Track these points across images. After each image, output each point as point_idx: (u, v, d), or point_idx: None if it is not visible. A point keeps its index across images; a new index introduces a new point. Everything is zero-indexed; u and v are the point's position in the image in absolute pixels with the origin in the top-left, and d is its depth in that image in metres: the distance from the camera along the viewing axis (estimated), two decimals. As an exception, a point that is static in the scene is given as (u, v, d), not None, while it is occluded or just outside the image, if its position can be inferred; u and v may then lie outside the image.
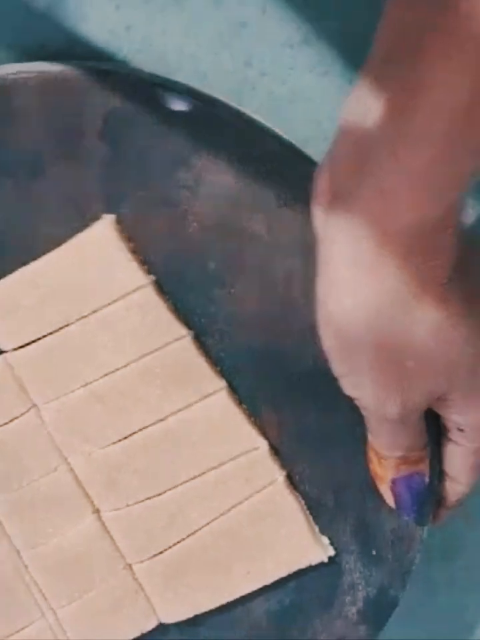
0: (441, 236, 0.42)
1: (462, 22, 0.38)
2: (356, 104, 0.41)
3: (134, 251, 0.49)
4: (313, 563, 0.51)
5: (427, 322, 0.43)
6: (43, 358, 0.49)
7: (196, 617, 0.51)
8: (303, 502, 0.51)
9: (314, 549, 0.51)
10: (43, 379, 0.49)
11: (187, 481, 0.50)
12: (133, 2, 0.50)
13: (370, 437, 0.49)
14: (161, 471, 0.50)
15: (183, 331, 0.49)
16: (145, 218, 0.49)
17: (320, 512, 0.51)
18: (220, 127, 0.48)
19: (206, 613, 0.51)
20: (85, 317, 0.48)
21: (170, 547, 0.50)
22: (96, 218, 0.48)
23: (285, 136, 0.50)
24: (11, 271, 0.48)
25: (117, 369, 0.49)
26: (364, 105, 0.41)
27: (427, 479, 0.49)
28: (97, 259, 0.48)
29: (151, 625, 0.51)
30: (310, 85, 0.51)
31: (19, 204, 0.48)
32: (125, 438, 0.50)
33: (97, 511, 0.50)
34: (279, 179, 0.48)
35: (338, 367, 0.45)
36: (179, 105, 0.48)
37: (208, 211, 0.49)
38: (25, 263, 0.48)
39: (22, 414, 0.49)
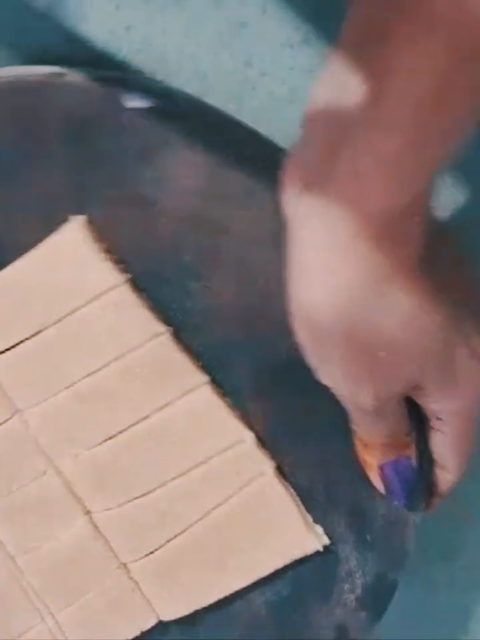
0: (410, 223, 0.41)
1: (427, 7, 0.37)
2: (325, 88, 0.41)
3: (107, 251, 0.49)
4: (308, 553, 0.50)
5: (398, 311, 0.42)
6: (23, 363, 0.49)
7: (195, 613, 0.51)
8: (294, 492, 0.50)
9: (308, 539, 0.50)
10: (25, 384, 0.49)
11: (176, 478, 0.50)
12: (133, 2, 0.50)
13: (352, 425, 0.48)
14: (148, 468, 0.50)
15: (161, 327, 0.49)
16: (116, 217, 0.49)
17: (312, 501, 0.51)
18: (183, 120, 0.48)
19: (205, 608, 0.51)
20: (62, 319, 0.48)
21: (163, 545, 0.50)
22: (66, 220, 0.48)
23: (268, 135, 0.50)
24: (-18, 277, 0.48)
25: (98, 370, 0.49)
26: (334, 89, 0.40)
27: (414, 463, 0.48)
28: (69, 261, 0.48)
29: (150, 623, 0.51)
30: (310, 85, 0.51)
31: (-12, 210, 0.48)
32: (111, 438, 0.50)
33: (88, 513, 0.50)
34: (247, 167, 0.48)
35: (311, 358, 0.45)
36: (139, 102, 0.48)
37: (178, 206, 0.48)
38: (-5, 269, 0.48)
39: (6, 420, 0.49)
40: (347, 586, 0.51)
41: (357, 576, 0.51)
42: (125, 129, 0.47)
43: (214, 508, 0.50)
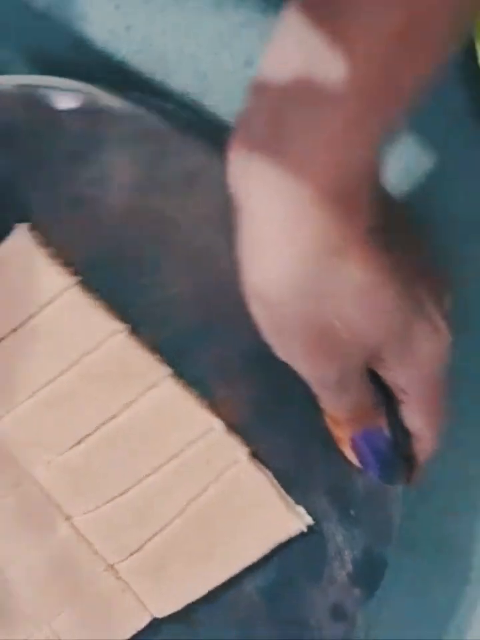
0: (361, 194, 0.41)
1: None
2: (272, 58, 0.40)
3: (53, 256, 0.48)
4: (292, 534, 0.50)
5: (351, 284, 0.42)
6: (-17, 375, 0.49)
7: (189, 607, 0.51)
8: (271, 476, 0.50)
9: (291, 520, 0.50)
10: (-12, 396, 0.49)
11: (151, 474, 0.50)
12: (133, 2, 0.50)
13: (319, 401, 0.48)
14: (122, 468, 0.50)
15: (116, 325, 0.49)
16: (58, 221, 0.48)
17: (291, 483, 0.50)
18: (113, 116, 0.47)
19: (198, 602, 0.51)
20: (17, 328, 0.48)
21: (147, 542, 0.50)
22: (9, 229, 0.48)
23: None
24: None
25: (60, 374, 0.49)
26: (281, 59, 0.40)
27: (386, 434, 0.47)
28: (17, 270, 0.48)
29: (144, 621, 0.51)
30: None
31: None
32: (81, 441, 0.49)
33: (69, 518, 0.50)
34: (183, 155, 0.48)
35: (268, 334, 0.44)
36: (67, 103, 0.47)
37: (118, 202, 0.48)
38: None
39: (-27, 434, 0.49)
40: (337, 564, 0.51)
41: (346, 553, 0.51)
42: (56, 131, 0.47)
43: (193, 499, 0.50)
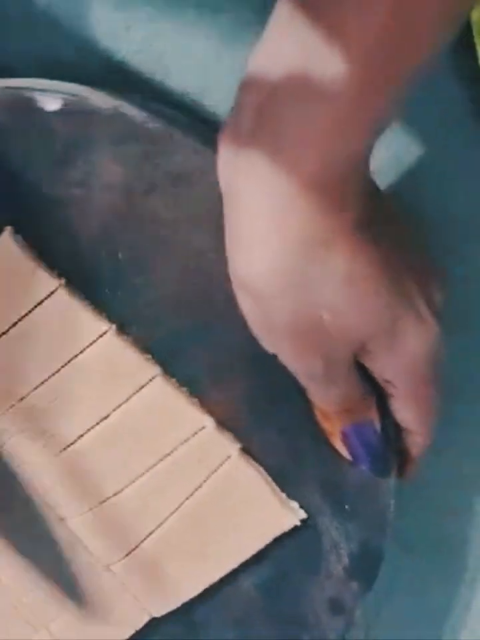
0: (348, 187, 0.41)
1: None
2: (260, 56, 0.41)
3: (39, 258, 0.48)
4: (286, 529, 0.50)
5: (339, 273, 0.42)
6: (-27, 380, 0.49)
7: (187, 605, 0.51)
8: (264, 471, 0.50)
9: (285, 515, 0.50)
10: (-21, 401, 0.49)
11: (144, 473, 0.50)
12: (133, 2, 0.50)
13: (308, 394, 0.48)
14: (115, 468, 0.50)
15: (104, 326, 0.49)
16: (44, 223, 0.48)
17: (284, 478, 0.50)
18: (101, 117, 0.47)
19: (196, 600, 0.51)
20: (5, 333, 0.48)
21: (142, 541, 0.50)
22: (-6, 233, 0.48)
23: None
24: None
25: (49, 377, 0.49)
26: (269, 56, 0.40)
27: (377, 426, 0.47)
28: (3, 273, 0.48)
29: (143, 621, 0.51)
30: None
31: None
32: (73, 443, 0.49)
33: (63, 520, 0.50)
34: (172, 155, 0.48)
35: (255, 326, 0.45)
36: (52, 105, 0.47)
37: (104, 203, 0.48)
38: None
39: (-34, 440, 0.49)
40: (333, 557, 0.51)
41: (342, 546, 0.51)
42: (44, 133, 0.47)
43: (186, 498, 0.50)
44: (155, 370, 0.49)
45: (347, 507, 0.50)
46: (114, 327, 0.49)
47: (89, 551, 0.50)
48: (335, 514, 0.50)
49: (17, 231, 0.48)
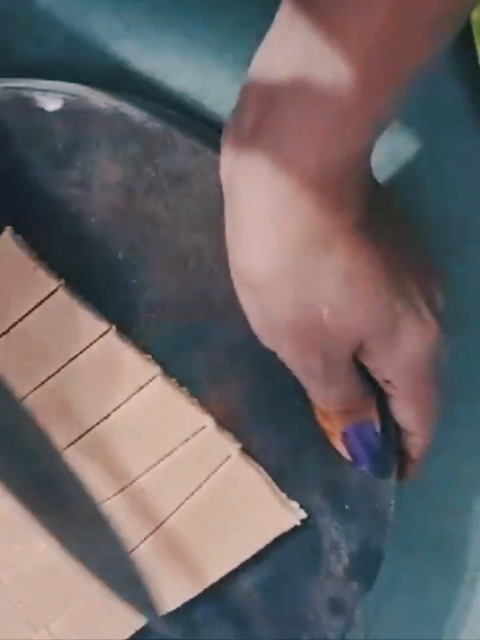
0: (349, 187, 0.42)
1: None
2: (262, 56, 0.41)
3: (38, 259, 0.48)
4: (286, 529, 0.50)
5: (339, 272, 0.43)
6: (-27, 381, 0.49)
7: (186, 605, 0.51)
8: (264, 471, 0.50)
9: (284, 515, 0.50)
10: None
11: (143, 474, 0.50)
12: (133, 2, 0.50)
13: (308, 394, 0.48)
14: (114, 468, 0.50)
15: (104, 326, 0.49)
16: (43, 223, 0.48)
17: (284, 478, 0.50)
18: (101, 117, 0.47)
19: (195, 600, 0.51)
20: (5, 333, 0.48)
21: (142, 542, 0.50)
22: (-6, 233, 0.48)
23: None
24: None
25: (48, 378, 0.49)
26: (274, 55, 0.41)
27: (377, 427, 0.48)
28: (2, 274, 0.48)
29: (142, 621, 0.51)
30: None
31: None
32: (74, 442, 0.49)
33: (63, 520, 0.50)
34: (171, 155, 0.48)
35: (255, 323, 0.45)
36: (52, 105, 0.48)
37: (103, 203, 0.48)
38: None
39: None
40: (333, 557, 0.51)
41: (342, 546, 0.51)
42: (43, 133, 0.47)
43: (186, 498, 0.50)
44: (155, 370, 0.49)
45: (347, 507, 0.50)
46: (114, 327, 0.49)
47: (89, 551, 0.50)
48: (334, 514, 0.50)
49: (17, 231, 0.48)
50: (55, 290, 0.48)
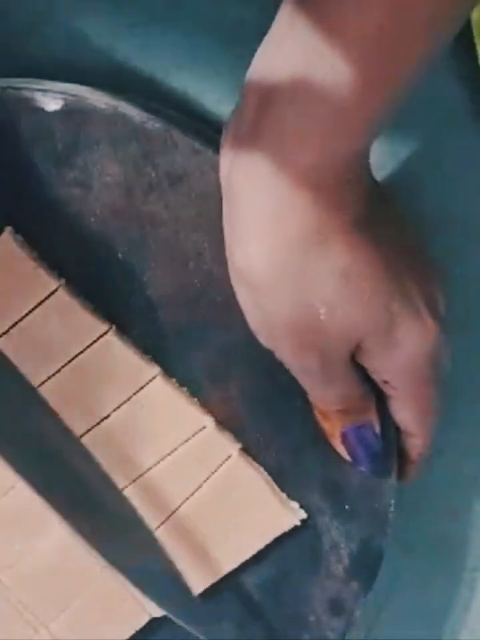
0: (347, 187, 0.42)
1: None
2: (262, 55, 0.42)
3: (38, 258, 0.48)
4: (286, 529, 0.50)
5: (337, 270, 0.43)
6: (-26, 381, 0.49)
7: (186, 605, 0.51)
8: (264, 471, 0.50)
9: (285, 515, 0.50)
10: (-20, 401, 0.49)
11: (143, 474, 0.50)
12: (133, 2, 0.50)
13: (308, 394, 0.48)
14: (115, 468, 0.49)
15: (104, 326, 0.49)
16: (43, 223, 0.49)
17: (284, 478, 0.50)
18: (99, 117, 0.47)
19: (194, 599, 0.51)
20: (5, 333, 0.48)
21: (142, 542, 0.50)
22: (-6, 233, 0.48)
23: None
24: None
25: (48, 378, 0.49)
26: (275, 55, 0.41)
27: (377, 429, 0.47)
28: (2, 274, 0.48)
29: (142, 621, 0.51)
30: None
31: None
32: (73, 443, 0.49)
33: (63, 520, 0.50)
34: (167, 155, 0.48)
35: (253, 321, 0.45)
36: (52, 105, 0.48)
37: (103, 203, 0.48)
38: None
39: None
40: (333, 557, 0.51)
41: (342, 546, 0.51)
42: (42, 133, 0.47)
43: (186, 498, 0.50)
44: (155, 370, 0.49)
45: (347, 506, 0.50)
46: (114, 327, 0.49)
47: (89, 550, 0.50)
48: (335, 514, 0.50)
49: (17, 231, 0.48)
50: (55, 290, 0.48)
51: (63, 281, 0.48)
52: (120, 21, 0.50)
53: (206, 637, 0.51)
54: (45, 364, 0.49)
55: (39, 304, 0.48)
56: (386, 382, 0.46)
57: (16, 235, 0.48)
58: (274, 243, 0.42)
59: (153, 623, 0.51)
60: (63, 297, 0.48)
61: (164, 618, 0.51)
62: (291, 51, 0.40)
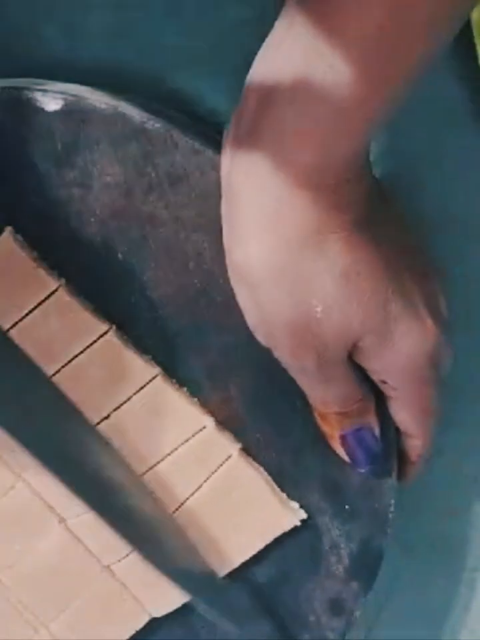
0: (348, 185, 0.42)
1: None
2: (269, 55, 0.42)
3: (39, 259, 0.48)
4: (286, 529, 0.50)
5: (335, 269, 0.43)
6: (-26, 381, 0.49)
7: (186, 605, 0.51)
8: (264, 471, 0.50)
9: (285, 515, 0.50)
10: (-21, 402, 0.49)
11: (144, 474, 0.50)
12: (133, 2, 0.50)
13: (307, 396, 0.48)
14: (115, 468, 0.49)
15: (104, 326, 0.49)
16: (43, 223, 0.49)
17: (284, 478, 0.50)
18: (99, 117, 0.47)
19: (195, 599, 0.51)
20: (5, 333, 0.48)
21: (142, 542, 0.50)
22: (-6, 233, 0.48)
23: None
24: None
25: (50, 377, 0.49)
26: (276, 55, 0.41)
27: (376, 432, 0.47)
28: (2, 274, 0.48)
29: (142, 621, 0.51)
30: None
31: None
32: (73, 443, 0.49)
33: (63, 520, 0.50)
34: (167, 155, 0.48)
35: (250, 318, 0.45)
36: (52, 105, 0.48)
37: (103, 203, 0.48)
38: None
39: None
40: (333, 558, 0.51)
41: (342, 546, 0.51)
42: (42, 133, 0.47)
43: (187, 498, 0.50)
44: (155, 370, 0.49)
45: (347, 506, 0.50)
46: (114, 327, 0.49)
47: (89, 551, 0.50)
48: (335, 514, 0.50)
49: (17, 230, 0.48)
50: (55, 290, 0.48)
51: (62, 280, 0.48)
52: (120, 21, 0.50)
53: (206, 637, 0.51)
54: (45, 364, 0.49)
55: (39, 304, 0.48)
56: (385, 382, 0.46)
57: (16, 235, 0.48)
58: (273, 243, 0.42)
59: (153, 623, 0.52)
60: (63, 296, 0.48)
61: (164, 618, 0.51)
62: (291, 51, 0.40)
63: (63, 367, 0.49)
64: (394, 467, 0.49)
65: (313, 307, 0.43)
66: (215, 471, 0.50)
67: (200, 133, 0.49)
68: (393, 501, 0.50)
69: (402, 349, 0.44)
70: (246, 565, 0.51)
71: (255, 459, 0.50)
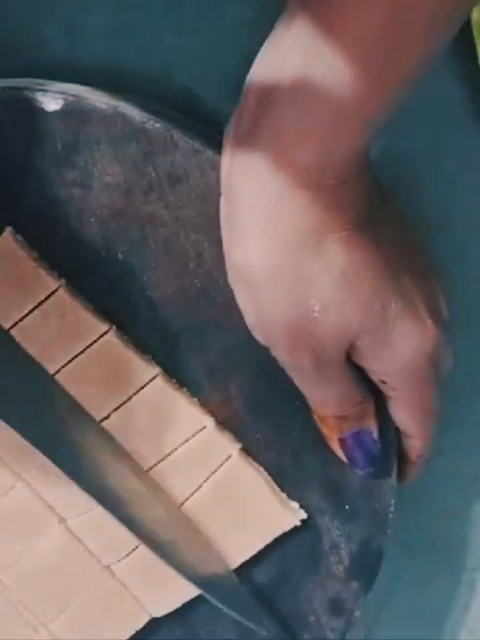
0: (347, 184, 0.42)
1: None
2: (269, 55, 0.42)
3: (39, 258, 0.48)
4: (286, 530, 0.50)
5: (333, 268, 0.43)
6: (-26, 381, 0.49)
7: (186, 606, 0.51)
8: (264, 471, 0.50)
9: (285, 515, 0.50)
10: (-21, 402, 0.49)
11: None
12: (133, 2, 0.50)
13: (306, 397, 0.48)
14: (115, 468, 0.49)
15: (104, 326, 0.49)
16: (43, 223, 0.48)
17: (285, 478, 0.50)
18: (99, 117, 0.47)
19: (194, 600, 0.51)
20: (5, 332, 0.48)
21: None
22: (-6, 233, 0.48)
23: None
24: None
25: (51, 377, 0.49)
26: (277, 55, 0.41)
27: (375, 434, 0.47)
28: (2, 274, 0.48)
29: (142, 621, 0.51)
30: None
31: None
32: (73, 443, 0.49)
33: (63, 520, 0.50)
34: (167, 155, 0.48)
35: (249, 317, 0.45)
36: (52, 105, 0.48)
37: (103, 203, 0.48)
38: None
39: (-34, 440, 0.49)
40: (333, 558, 0.51)
41: (342, 546, 0.51)
42: (42, 133, 0.47)
43: (187, 498, 0.50)
44: (155, 370, 0.49)
45: (347, 506, 0.50)
46: (114, 327, 0.49)
47: (89, 551, 0.50)
48: (335, 514, 0.50)
49: (17, 231, 0.48)
50: (55, 290, 0.48)
51: (63, 280, 0.48)
52: (120, 21, 0.50)
53: (205, 637, 0.52)
54: (45, 364, 0.49)
55: (39, 304, 0.48)
56: (384, 382, 0.46)
57: (16, 235, 0.48)
58: (273, 243, 0.42)
59: (153, 623, 0.51)
60: (63, 296, 0.48)
61: (164, 618, 0.51)
62: (291, 51, 0.40)
63: (63, 367, 0.49)
64: (394, 468, 0.49)
65: (311, 306, 0.43)
66: (215, 471, 0.50)
67: (200, 133, 0.49)
68: (393, 501, 0.50)
69: (401, 349, 0.44)
70: (246, 565, 0.51)
71: (255, 459, 0.50)
